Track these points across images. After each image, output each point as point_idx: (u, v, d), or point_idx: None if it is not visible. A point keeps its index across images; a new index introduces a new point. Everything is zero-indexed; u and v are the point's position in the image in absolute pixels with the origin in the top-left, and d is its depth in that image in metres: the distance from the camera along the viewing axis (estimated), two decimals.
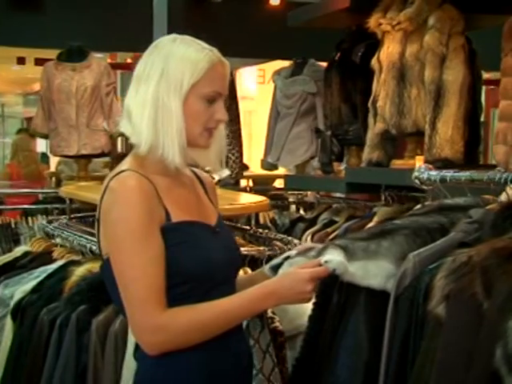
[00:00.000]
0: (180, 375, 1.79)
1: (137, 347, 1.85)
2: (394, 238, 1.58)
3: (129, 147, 1.92)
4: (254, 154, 7.25)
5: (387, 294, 1.53)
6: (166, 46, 1.84)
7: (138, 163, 1.82)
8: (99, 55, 6.43)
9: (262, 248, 2.63)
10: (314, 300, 1.79)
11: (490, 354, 1.25)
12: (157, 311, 1.71)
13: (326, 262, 1.64)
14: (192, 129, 1.81)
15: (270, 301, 1.78)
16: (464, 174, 1.68)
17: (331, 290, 1.70)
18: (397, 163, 3.49)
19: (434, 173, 1.76)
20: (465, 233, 1.56)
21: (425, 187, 1.81)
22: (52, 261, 2.95)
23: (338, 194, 4.51)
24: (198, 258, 1.78)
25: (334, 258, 1.61)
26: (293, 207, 5.08)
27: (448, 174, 1.72)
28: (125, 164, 1.84)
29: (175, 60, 1.80)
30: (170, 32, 4.82)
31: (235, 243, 2.02)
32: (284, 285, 1.75)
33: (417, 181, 1.80)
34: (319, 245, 1.82)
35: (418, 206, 1.88)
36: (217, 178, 4.36)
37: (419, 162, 3.22)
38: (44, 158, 9.13)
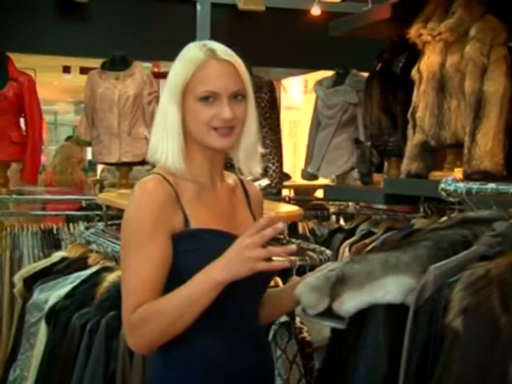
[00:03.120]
0: (190, 376, 1.79)
1: None
2: (416, 251, 1.56)
3: None
4: (298, 164, 7.23)
5: (407, 307, 1.51)
6: (182, 50, 1.86)
7: (168, 168, 1.84)
8: (147, 64, 6.52)
9: (293, 258, 2.61)
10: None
11: (506, 369, 1.22)
12: (130, 311, 1.73)
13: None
14: (197, 130, 1.82)
15: (211, 280, 1.69)
16: (489, 187, 1.65)
17: None
18: (436, 175, 3.44)
19: (460, 185, 1.74)
20: (487, 246, 1.53)
21: (451, 199, 1.78)
22: (87, 266, 2.99)
23: (378, 206, 4.48)
24: (204, 267, 1.74)
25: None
26: (333, 218, 5.06)
27: (474, 186, 1.69)
28: (156, 168, 1.86)
29: (176, 64, 1.83)
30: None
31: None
32: (227, 256, 1.69)
33: (443, 192, 1.77)
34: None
35: (443, 219, 1.85)
36: (248, 178, 4.38)
37: (458, 174, 3.18)
38: (92, 165, 9.25)
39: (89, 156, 10.12)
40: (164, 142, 1.81)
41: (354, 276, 1.61)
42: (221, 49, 1.82)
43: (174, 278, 1.77)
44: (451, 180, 1.77)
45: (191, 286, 1.71)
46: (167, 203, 1.77)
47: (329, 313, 1.66)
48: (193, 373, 1.79)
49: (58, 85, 12.60)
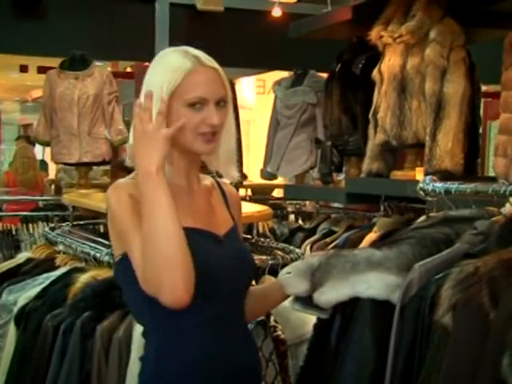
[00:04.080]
0: (183, 378, 1.81)
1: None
2: (400, 249, 1.61)
3: None
4: (252, 164, 7.27)
5: (393, 304, 1.56)
6: (160, 56, 1.88)
7: None
8: (100, 63, 6.48)
9: (264, 257, 2.65)
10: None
11: (497, 363, 1.27)
12: None
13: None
14: (184, 136, 1.83)
15: (149, 166, 1.72)
16: (469, 186, 1.71)
17: None
18: (397, 174, 3.51)
19: (438, 185, 1.79)
20: (470, 244, 1.58)
21: (429, 198, 1.84)
22: (55, 267, 2.97)
23: (336, 204, 4.54)
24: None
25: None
26: (292, 217, 5.11)
27: (453, 185, 1.75)
28: (132, 174, 1.88)
29: (158, 70, 1.85)
30: (171, 41, 4.88)
31: (246, 254, 2.02)
32: (138, 148, 1.75)
33: (421, 192, 1.83)
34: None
35: (423, 218, 1.91)
36: (228, 182, 4.40)
37: (419, 173, 3.25)
38: (43, 165, 9.16)
39: (39, 156, 10.05)
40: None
41: (338, 266, 1.65)
42: (203, 55, 1.86)
43: None
44: (429, 179, 1.82)
45: (141, 196, 1.73)
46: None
47: (313, 303, 1.72)
48: (184, 369, 1.81)
49: (4, 83, 12.41)
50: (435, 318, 1.42)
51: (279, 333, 2.36)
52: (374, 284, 1.60)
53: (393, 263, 1.57)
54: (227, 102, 1.89)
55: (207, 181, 2.02)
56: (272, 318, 2.37)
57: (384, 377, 1.53)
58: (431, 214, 1.91)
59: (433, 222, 1.71)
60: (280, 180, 5.25)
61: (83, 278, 2.58)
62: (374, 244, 1.73)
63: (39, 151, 10.49)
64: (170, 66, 1.82)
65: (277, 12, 4.89)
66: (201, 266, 1.81)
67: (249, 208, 2.90)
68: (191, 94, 1.81)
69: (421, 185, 1.84)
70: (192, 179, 1.94)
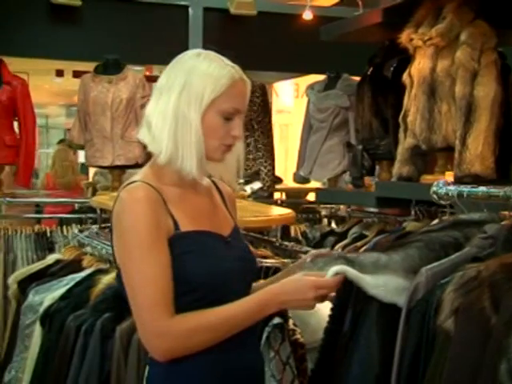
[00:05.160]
0: (190, 380, 1.82)
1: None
2: (407, 252, 1.59)
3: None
4: (290, 168, 7.27)
5: (399, 308, 1.54)
6: (190, 60, 1.88)
7: (153, 174, 1.87)
8: (138, 68, 6.54)
9: (286, 260, 2.65)
10: (329, 313, 1.80)
11: (496, 369, 1.25)
12: (165, 316, 1.75)
13: (336, 273, 1.66)
14: (209, 143, 1.85)
15: (274, 305, 1.80)
16: (480, 190, 1.69)
17: (346, 302, 1.71)
18: (427, 178, 3.47)
19: (451, 188, 1.77)
20: (479, 248, 1.56)
21: (442, 202, 1.81)
22: (81, 269, 3.01)
23: (369, 209, 4.51)
24: (206, 267, 1.81)
25: (341, 268, 1.63)
26: (325, 221, 5.08)
27: (465, 189, 1.73)
28: (139, 174, 1.89)
29: (198, 74, 1.84)
30: (204, 45, 4.89)
31: (250, 254, 2.04)
32: (287, 291, 1.77)
33: (434, 195, 1.80)
34: (333, 252, 1.84)
35: (435, 222, 1.89)
36: (249, 190, 4.41)
37: (449, 177, 3.21)
38: (84, 168, 9.26)
39: (80, 159, 10.16)
40: (189, 153, 1.82)
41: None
42: (238, 68, 1.89)
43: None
44: (442, 183, 1.80)
45: (249, 312, 1.80)
46: (158, 208, 1.80)
47: None
48: (192, 370, 1.82)
49: (48, 88, 12.59)
50: (438, 322, 1.40)
51: (298, 336, 2.35)
52: (381, 286, 1.58)
53: (399, 266, 1.56)
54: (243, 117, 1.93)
55: (205, 181, 2.03)
56: (291, 322, 2.36)
57: (389, 381, 1.51)
58: (443, 218, 1.89)
59: (442, 226, 1.68)
60: (316, 184, 5.23)
61: (105, 280, 2.60)
62: (382, 247, 1.71)
63: (82, 155, 10.60)
64: (211, 75, 1.83)
65: (307, 15, 4.88)
66: (212, 269, 1.82)
67: (272, 211, 2.90)
68: (230, 104, 1.85)
69: (434, 188, 1.81)
70: (197, 181, 1.95)
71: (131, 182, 1.85)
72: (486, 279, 1.35)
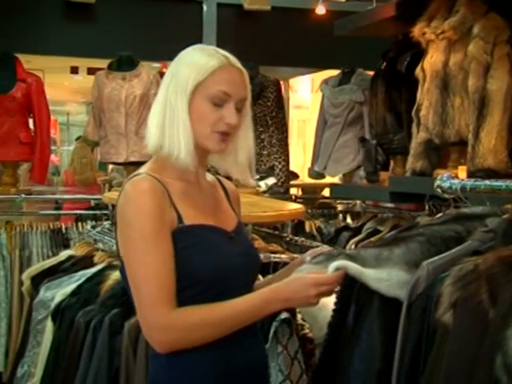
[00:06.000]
0: (193, 374, 1.82)
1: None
2: (408, 246, 1.58)
3: None
4: (308, 163, 7.26)
5: (401, 302, 1.53)
6: (183, 53, 1.90)
7: (157, 167, 1.87)
8: (155, 65, 6.55)
9: (296, 255, 2.64)
10: (333, 307, 1.80)
11: (492, 362, 1.24)
12: (167, 310, 1.75)
13: (337, 269, 1.65)
14: (199, 130, 1.84)
15: (277, 303, 1.80)
16: (483, 183, 1.67)
17: (349, 297, 1.71)
18: (440, 173, 3.41)
19: (455, 181, 1.75)
20: (480, 241, 1.55)
21: (446, 196, 1.80)
22: (92, 265, 3.02)
23: (384, 204, 4.49)
24: (209, 262, 1.81)
25: (342, 263, 1.62)
26: (340, 216, 5.06)
27: (468, 182, 1.71)
28: (143, 168, 1.89)
29: (185, 63, 1.85)
30: (218, 41, 4.88)
31: (253, 249, 2.04)
32: (290, 289, 1.77)
33: (438, 189, 1.79)
34: (333, 250, 1.83)
35: (438, 215, 1.87)
36: (263, 186, 4.41)
37: (462, 171, 3.18)
38: (102, 165, 9.29)
39: (99, 156, 10.20)
40: (175, 138, 1.82)
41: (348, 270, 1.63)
42: (232, 57, 1.88)
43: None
44: (446, 177, 1.78)
45: (253, 309, 1.79)
46: (163, 201, 1.80)
47: None
48: (195, 365, 1.82)
49: (68, 85, 12.64)
50: (437, 315, 1.39)
51: (306, 331, 2.34)
52: (384, 278, 1.57)
53: (401, 259, 1.55)
54: (246, 107, 1.92)
55: (209, 178, 2.03)
56: (299, 317, 2.36)
57: (390, 375, 1.50)
58: (446, 212, 1.87)
59: (444, 220, 1.67)
60: (333, 179, 5.21)
61: (114, 275, 2.61)
62: (382, 241, 1.70)
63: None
64: (197, 62, 1.84)
65: (320, 10, 4.86)
66: (215, 263, 1.83)
67: (282, 206, 2.90)
68: (216, 87, 1.83)
69: (438, 182, 1.80)
70: (200, 176, 1.96)
71: (136, 175, 1.86)
72: (483, 272, 1.34)
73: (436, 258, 1.52)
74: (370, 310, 1.59)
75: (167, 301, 1.75)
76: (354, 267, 1.59)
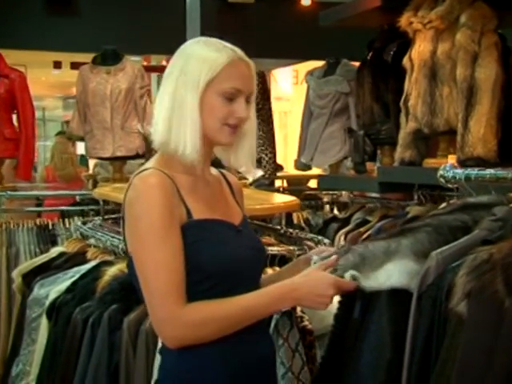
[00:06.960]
0: (204, 369, 1.82)
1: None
2: (416, 236, 1.59)
3: None
4: (289, 155, 7.26)
5: (410, 293, 1.54)
6: (189, 46, 1.89)
7: (164, 162, 1.87)
8: (136, 58, 6.51)
9: (292, 248, 2.64)
10: (339, 299, 1.80)
11: (510, 352, 1.24)
12: (178, 304, 1.75)
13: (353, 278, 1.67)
14: (210, 124, 1.84)
15: (289, 300, 1.81)
16: (488, 172, 1.68)
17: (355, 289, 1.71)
18: (429, 162, 3.46)
19: (458, 171, 1.76)
20: (488, 231, 1.55)
21: (449, 185, 1.81)
22: (86, 261, 3.00)
23: (371, 194, 4.50)
24: (219, 255, 1.81)
25: (356, 276, 1.64)
26: (327, 207, 5.08)
27: (473, 172, 1.72)
28: (150, 162, 1.88)
29: (195, 58, 1.84)
30: (202, 34, 4.86)
31: (260, 243, 2.04)
32: (306, 285, 1.77)
33: (442, 179, 1.80)
34: (331, 249, 1.84)
35: (443, 205, 1.88)
36: (250, 178, 4.40)
37: (452, 160, 3.20)
38: (83, 160, 9.23)
39: (79, 151, 10.14)
40: (182, 133, 1.82)
41: (356, 266, 1.64)
42: (238, 49, 1.88)
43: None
44: (449, 166, 1.79)
45: (264, 304, 1.80)
46: (173, 196, 1.80)
47: None
48: (205, 359, 1.82)
49: (45, 80, 12.57)
50: (450, 305, 1.39)
51: (306, 323, 2.34)
52: (393, 273, 1.58)
53: (409, 250, 1.56)
54: (251, 100, 1.92)
55: (213, 171, 2.03)
56: (299, 309, 2.35)
57: (401, 366, 1.51)
58: (451, 201, 1.88)
59: (451, 209, 1.67)
60: (317, 171, 5.21)
61: (111, 271, 2.60)
62: (389, 232, 1.70)
63: (81, 147, 10.59)
64: (207, 57, 1.83)
65: (305, 1, 4.86)
66: (226, 257, 1.82)
67: (276, 199, 2.89)
68: (228, 84, 1.83)
69: (441, 172, 1.81)
70: (206, 170, 1.96)
71: (144, 170, 1.85)
72: (498, 262, 1.34)
73: (445, 247, 1.52)
74: (379, 301, 1.59)
75: (177, 296, 1.74)
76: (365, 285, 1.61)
